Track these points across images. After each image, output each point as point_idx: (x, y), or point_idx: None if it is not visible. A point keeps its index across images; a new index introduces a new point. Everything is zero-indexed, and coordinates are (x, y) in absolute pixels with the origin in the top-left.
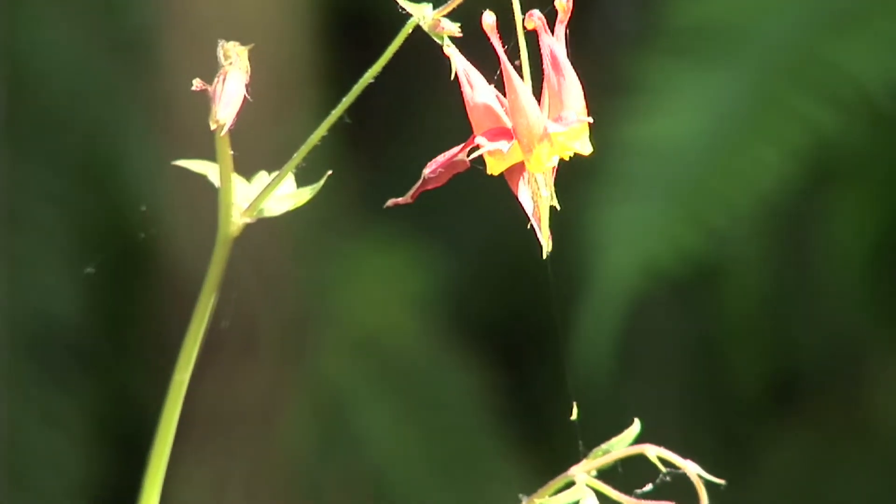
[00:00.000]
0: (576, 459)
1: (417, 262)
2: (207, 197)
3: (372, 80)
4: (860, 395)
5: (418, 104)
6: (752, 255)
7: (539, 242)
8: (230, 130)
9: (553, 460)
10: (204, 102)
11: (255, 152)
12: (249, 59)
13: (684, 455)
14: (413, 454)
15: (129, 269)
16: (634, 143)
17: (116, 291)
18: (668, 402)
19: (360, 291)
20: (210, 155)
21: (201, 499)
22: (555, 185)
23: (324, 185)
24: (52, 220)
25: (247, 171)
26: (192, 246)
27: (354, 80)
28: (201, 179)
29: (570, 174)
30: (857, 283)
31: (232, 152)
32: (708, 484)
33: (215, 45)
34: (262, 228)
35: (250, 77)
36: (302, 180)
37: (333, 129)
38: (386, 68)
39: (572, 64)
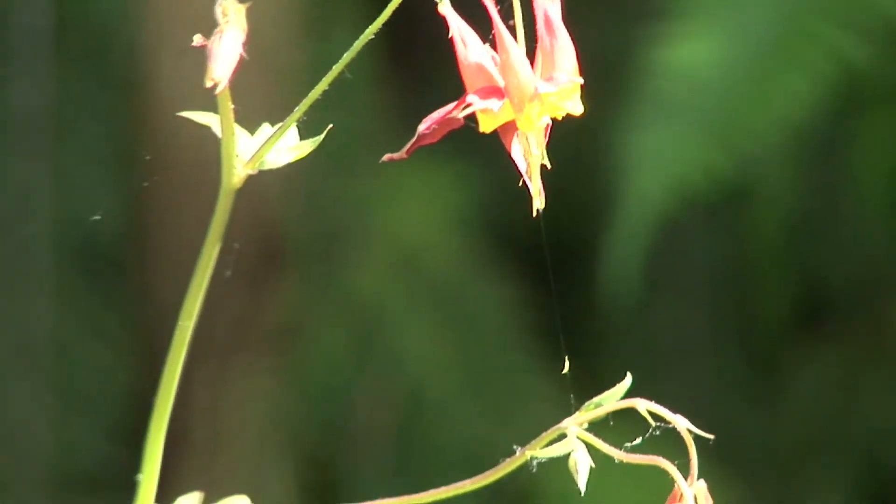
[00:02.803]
0: (604, 376)
1: (456, 179)
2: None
3: (420, 4)
4: (889, 317)
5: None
6: (781, 179)
7: (532, 199)
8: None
9: (583, 376)
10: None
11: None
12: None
13: (713, 385)
14: (448, 369)
15: (175, 185)
16: (665, 67)
17: (162, 207)
18: (695, 323)
19: (397, 207)
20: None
21: (230, 408)
22: (585, 105)
23: (366, 104)
24: (99, 135)
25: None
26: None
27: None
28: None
29: (601, 97)
30: (885, 207)
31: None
32: (698, 438)
33: None
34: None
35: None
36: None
37: (378, 45)
38: None
39: None
